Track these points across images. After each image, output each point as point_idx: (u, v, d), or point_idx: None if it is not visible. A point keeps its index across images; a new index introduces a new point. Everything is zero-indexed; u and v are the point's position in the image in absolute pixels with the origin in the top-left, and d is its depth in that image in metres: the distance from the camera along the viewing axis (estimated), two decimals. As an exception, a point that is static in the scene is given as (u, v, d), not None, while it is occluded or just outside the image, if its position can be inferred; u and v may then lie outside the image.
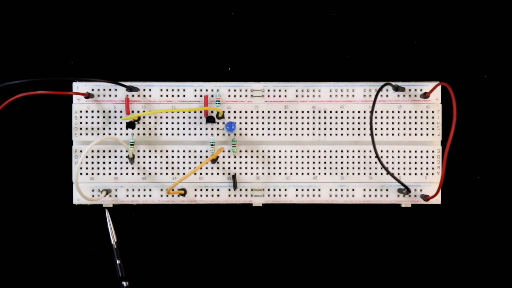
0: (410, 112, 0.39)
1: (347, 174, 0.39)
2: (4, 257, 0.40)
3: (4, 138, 0.40)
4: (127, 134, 0.39)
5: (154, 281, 0.40)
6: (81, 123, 0.39)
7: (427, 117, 0.39)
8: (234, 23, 0.41)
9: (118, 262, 0.29)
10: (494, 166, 0.40)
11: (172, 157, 0.39)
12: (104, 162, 0.39)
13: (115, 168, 0.39)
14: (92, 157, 0.39)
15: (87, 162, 0.39)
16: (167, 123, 0.39)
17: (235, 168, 0.39)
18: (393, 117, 0.39)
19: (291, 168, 0.39)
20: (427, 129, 0.39)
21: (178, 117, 0.39)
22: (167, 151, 0.39)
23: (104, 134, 0.39)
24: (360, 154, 0.39)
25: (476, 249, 0.40)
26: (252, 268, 0.40)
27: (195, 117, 0.39)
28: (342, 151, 0.39)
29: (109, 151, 0.39)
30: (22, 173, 0.40)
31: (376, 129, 0.39)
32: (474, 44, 0.40)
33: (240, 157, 0.39)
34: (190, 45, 0.41)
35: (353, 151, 0.39)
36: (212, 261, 0.40)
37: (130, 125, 0.39)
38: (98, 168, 0.39)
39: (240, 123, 0.39)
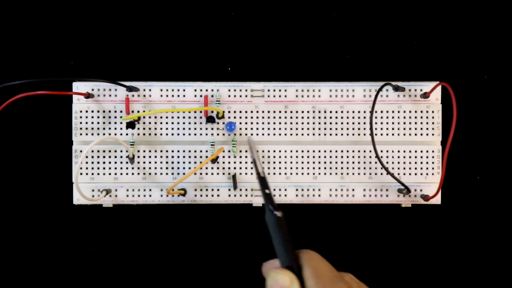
0: (410, 112, 0.39)
1: (347, 174, 0.39)
2: (4, 257, 0.40)
3: (4, 138, 0.40)
4: (127, 134, 0.39)
5: (154, 281, 0.40)
6: (81, 123, 0.39)
7: (427, 117, 0.39)
8: (234, 23, 0.41)
9: (267, 192, 0.28)
10: (494, 166, 0.40)
11: (172, 157, 0.39)
12: (104, 162, 0.39)
13: (115, 168, 0.39)
14: (92, 157, 0.39)
15: (87, 162, 0.39)
16: (167, 123, 0.39)
17: (235, 168, 0.39)
18: (393, 117, 0.39)
19: (291, 168, 0.39)
20: (427, 129, 0.39)
21: (178, 117, 0.39)
22: (167, 151, 0.39)
23: (104, 134, 0.39)
24: (360, 154, 0.39)
25: (476, 249, 0.40)
26: (252, 268, 0.40)
27: (195, 117, 0.39)
28: (342, 151, 0.39)
29: (109, 151, 0.39)
30: (22, 173, 0.40)
31: (376, 129, 0.39)
32: (474, 44, 0.40)
33: (240, 157, 0.39)
34: (190, 45, 0.41)
35: (353, 151, 0.39)
36: (212, 261, 0.40)
37: (130, 125, 0.39)
38: (98, 168, 0.39)
39: (240, 123, 0.39)
